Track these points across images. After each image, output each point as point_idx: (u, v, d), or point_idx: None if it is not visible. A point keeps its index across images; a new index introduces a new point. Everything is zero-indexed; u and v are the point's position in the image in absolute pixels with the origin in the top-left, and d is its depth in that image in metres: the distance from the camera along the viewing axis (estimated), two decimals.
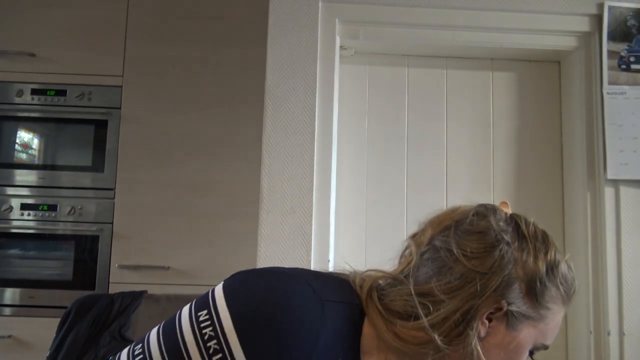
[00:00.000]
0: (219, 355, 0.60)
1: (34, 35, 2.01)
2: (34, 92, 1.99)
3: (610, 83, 1.65)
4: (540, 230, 0.73)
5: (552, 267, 0.70)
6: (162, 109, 1.99)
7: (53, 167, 1.99)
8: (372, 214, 1.74)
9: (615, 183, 1.63)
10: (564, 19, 1.69)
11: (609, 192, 1.62)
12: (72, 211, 1.93)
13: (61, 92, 1.99)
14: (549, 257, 0.70)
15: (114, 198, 1.95)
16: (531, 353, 0.73)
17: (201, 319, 0.62)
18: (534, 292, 0.68)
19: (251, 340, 0.60)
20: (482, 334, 0.68)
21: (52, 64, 2.00)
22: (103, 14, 2.03)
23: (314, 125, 1.59)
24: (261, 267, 0.72)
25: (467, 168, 1.78)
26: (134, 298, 1.18)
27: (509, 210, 0.77)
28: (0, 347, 1.83)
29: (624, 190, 1.62)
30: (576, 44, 1.71)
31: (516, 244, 0.70)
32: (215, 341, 0.60)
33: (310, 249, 1.54)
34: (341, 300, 0.68)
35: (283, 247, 1.54)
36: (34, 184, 1.97)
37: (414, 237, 0.77)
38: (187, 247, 1.91)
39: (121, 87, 1.99)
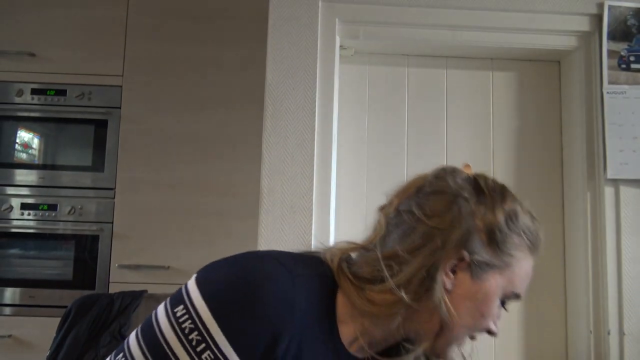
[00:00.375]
0: (203, 345, 0.61)
1: (34, 35, 2.01)
2: (34, 91, 1.99)
3: (610, 82, 1.65)
4: (499, 185, 0.76)
5: (510, 217, 0.72)
6: (162, 109, 1.99)
7: (53, 167, 1.99)
8: (372, 213, 1.74)
9: (615, 183, 1.63)
10: (564, 18, 1.69)
11: (608, 191, 1.62)
12: (72, 211, 1.93)
13: (61, 92, 1.99)
14: (506, 208, 0.72)
15: (114, 198, 1.95)
16: (503, 303, 0.75)
17: (178, 314, 0.62)
18: (495, 241, 0.70)
19: (229, 323, 0.61)
20: (448, 286, 0.70)
21: (52, 64, 2.00)
22: (103, 13, 2.03)
23: (314, 125, 1.59)
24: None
25: None
26: (134, 298, 1.18)
27: (471, 172, 0.78)
28: (0, 347, 1.83)
29: (624, 189, 1.62)
30: (576, 44, 1.71)
31: (474, 198, 0.72)
32: (196, 332, 0.61)
33: (311, 249, 1.54)
34: (312, 273, 0.70)
35: (283, 247, 1.54)
36: (34, 184, 1.97)
37: (382, 209, 0.80)
38: (187, 247, 1.91)
39: (121, 86, 1.99)
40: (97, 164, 1.97)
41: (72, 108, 1.98)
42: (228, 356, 0.61)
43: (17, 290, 1.91)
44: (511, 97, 1.81)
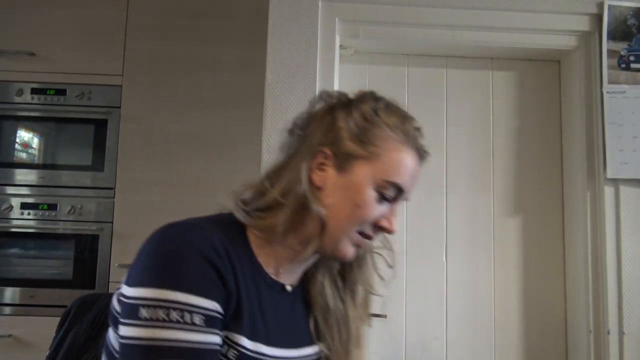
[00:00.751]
0: (187, 315, 0.64)
1: (34, 35, 2.01)
2: (34, 91, 1.99)
3: (610, 82, 1.65)
4: (365, 92, 0.83)
5: (369, 114, 0.78)
6: (161, 108, 1.99)
7: (53, 167, 1.99)
8: None
9: (615, 182, 1.63)
10: (564, 18, 1.69)
11: (608, 191, 1.62)
12: (72, 210, 1.93)
13: (61, 92, 1.99)
14: (364, 107, 0.79)
15: (114, 197, 1.95)
16: (384, 197, 0.78)
17: (147, 315, 0.64)
18: (356, 136, 0.77)
19: (186, 283, 0.66)
20: (319, 183, 0.77)
21: (52, 64, 2.00)
22: (103, 13, 2.03)
23: None
24: None
25: (466, 167, 1.78)
26: None
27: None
28: (0, 346, 1.83)
29: (623, 189, 1.62)
30: (576, 43, 1.71)
31: (340, 106, 0.80)
32: (172, 310, 0.64)
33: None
34: (220, 224, 0.78)
35: None
36: (34, 183, 1.97)
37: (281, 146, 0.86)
38: None
39: (121, 86, 1.99)
40: (97, 164, 1.97)
41: (72, 108, 1.99)
42: (209, 306, 0.66)
43: (17, 289, 1.91)
44: (511, 96, 1.81)
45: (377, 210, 0.78)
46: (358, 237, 0.79)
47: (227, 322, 0.70)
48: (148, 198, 1.94)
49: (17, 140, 2.00)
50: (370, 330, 1.69)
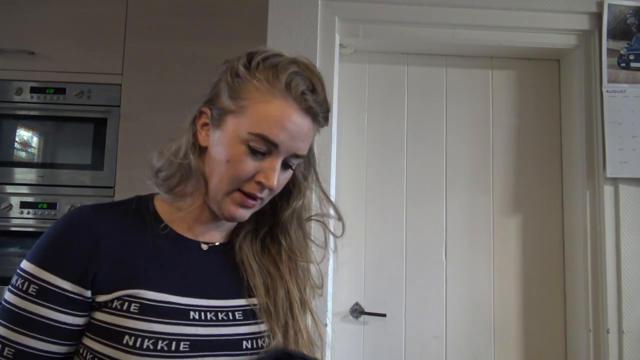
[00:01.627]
0: (26, 283, 0.71)
1: (34, 34, 2.01)
2: (33, 90, 1.99)
3: (609, 81, 1.65)
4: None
5: (240, 69, 0.80)
6: (161, 107, 1.98)
7: (52, 166, 1.99)
8: (372, 211, 1.74)
9: (615, 181, 1.63)
10: (563, 17, 1.69)
11: (608, 190, 1.63)
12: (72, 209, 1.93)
13: (60, 91, 1.99)
14: (236, 64, 0.82)
15: (113, 196, 1.95)
16: (258, 151, 0.77)
17: (15, 283, 0.72)
18: (227, 92, 0.80)
19: (48, 261, 0.72)
20: (204, 142, 0.81)
21: (52, 62, 2.00)
22: (102, 11, 2.02)
23: None
24: None
25: (466, 165, 1.78)
26: None
27: None
28: None
29: (623, 188, 1.62)
30: (576, 42, 1.71)
31: (227, 68, 0.83)
32: (31, 284, 0.71)
33: None
34: (123, 201, 0.85)
35: None
36: (33, 182, 1.97)
37: None
38: None
39: (120, 85, 1.99)
40: (97, 163, 1.97)
41: (71, 106, 1.98)
42: (48, 279, 0.70)
43: None
44: (511, 95, 1.81)
45: (250, 165, 0.76)
46: (241, 196, 0.78)
47: (116, 284, 0.73)
48: None
49: (17, 139, 2.00)
50: (368, 327, 1.69)
